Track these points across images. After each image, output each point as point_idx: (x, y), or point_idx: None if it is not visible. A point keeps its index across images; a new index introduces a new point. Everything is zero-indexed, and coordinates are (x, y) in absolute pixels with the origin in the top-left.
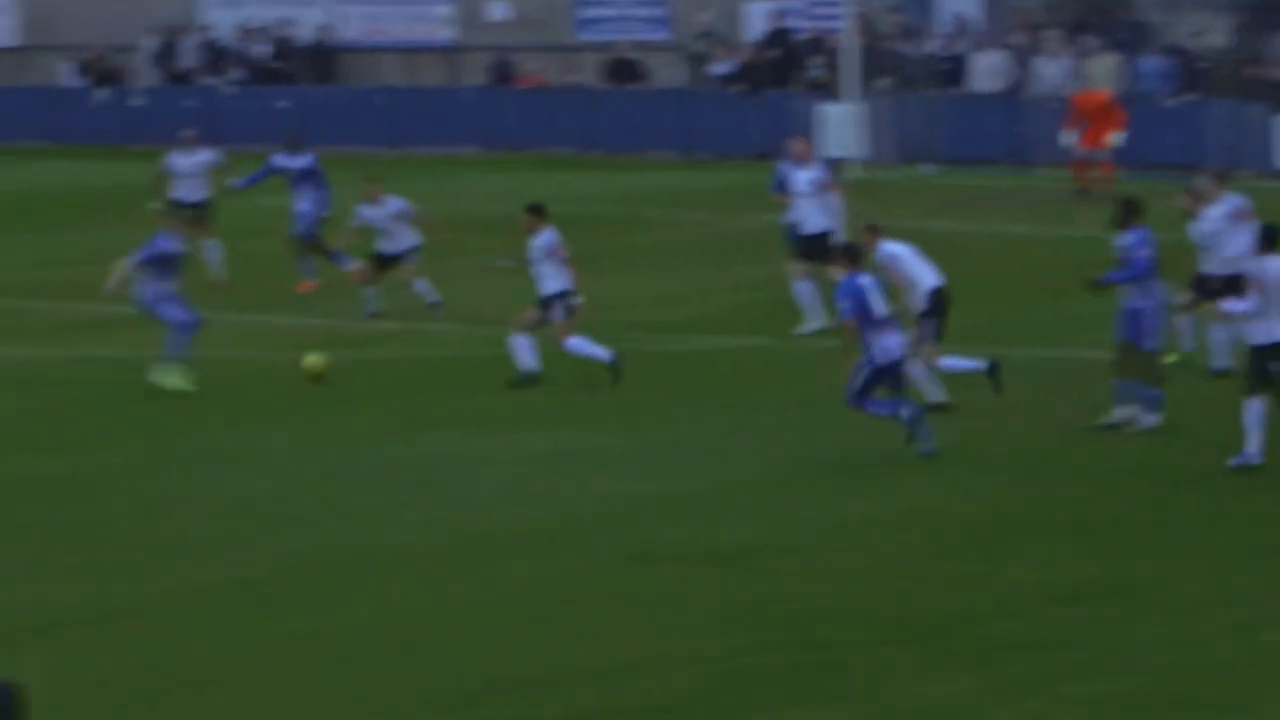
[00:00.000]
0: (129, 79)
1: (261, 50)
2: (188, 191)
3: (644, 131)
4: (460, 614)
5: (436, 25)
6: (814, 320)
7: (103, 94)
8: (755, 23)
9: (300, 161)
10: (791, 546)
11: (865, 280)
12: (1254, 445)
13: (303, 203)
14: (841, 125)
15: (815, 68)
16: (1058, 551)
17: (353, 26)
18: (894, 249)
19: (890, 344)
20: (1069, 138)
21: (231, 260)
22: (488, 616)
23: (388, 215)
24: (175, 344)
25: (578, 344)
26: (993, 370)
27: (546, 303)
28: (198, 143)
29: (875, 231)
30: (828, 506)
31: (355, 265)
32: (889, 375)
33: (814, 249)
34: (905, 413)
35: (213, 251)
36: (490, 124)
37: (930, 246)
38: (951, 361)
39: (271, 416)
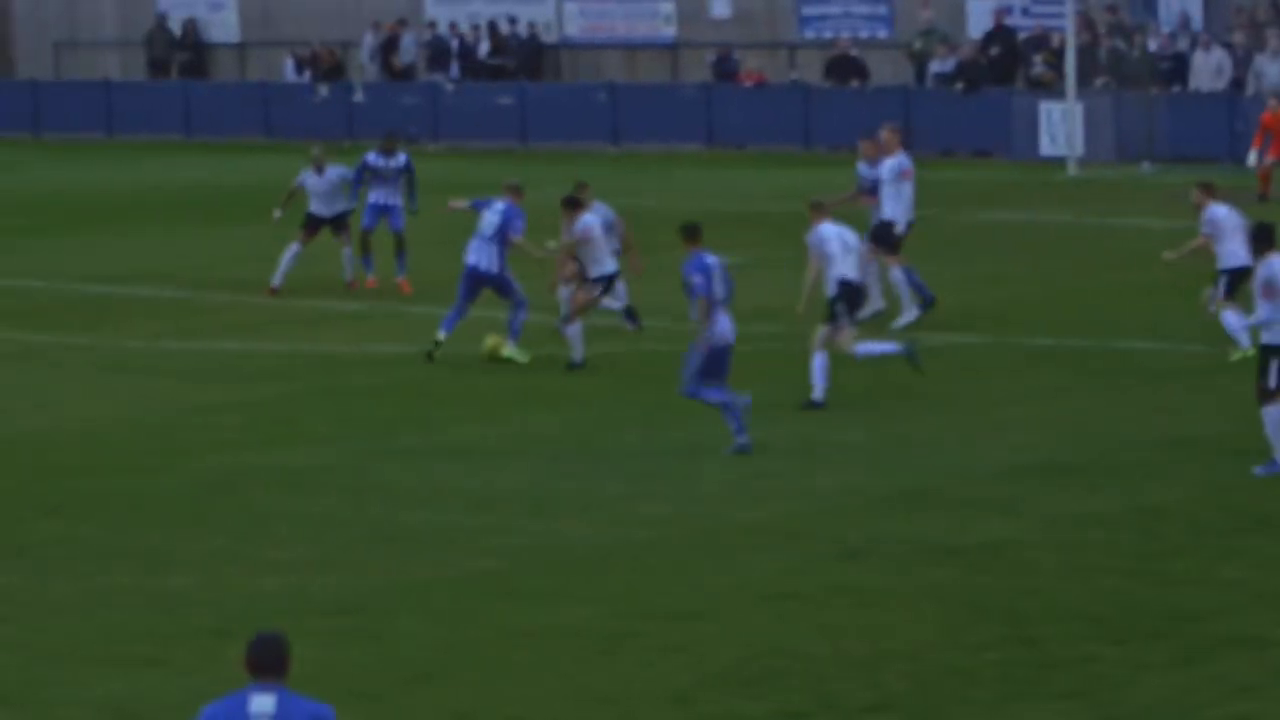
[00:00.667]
0: (349, 75)
1: (483, 47)
2: (322, 206)
3: (864, 129)
4: (680, 609)
5: (659, 22)
6: (910, 312)
7: (324, 90)
8: (977, 20)
9: (395, 161)
10: (1008, 543)
11: (711, 259)
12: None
13: (388, 199)
14: (1061, 123)
15: (1037, 65)
16: (1277, 550)
17: (574, 23)
18: (827, 230)
19: (725, 327)
20: (1253, 156)
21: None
22: (707, 611)
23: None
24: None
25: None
26: (910, 354)
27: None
28: (324, 161)
29: (819, 210)
30: (1047, 504)
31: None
32: (719, 359)
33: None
34: (738, 403)
35: (348, 258)
36: (711, 121)
37: (1148, 244)
38: (868, 347)
39: (495, 411)
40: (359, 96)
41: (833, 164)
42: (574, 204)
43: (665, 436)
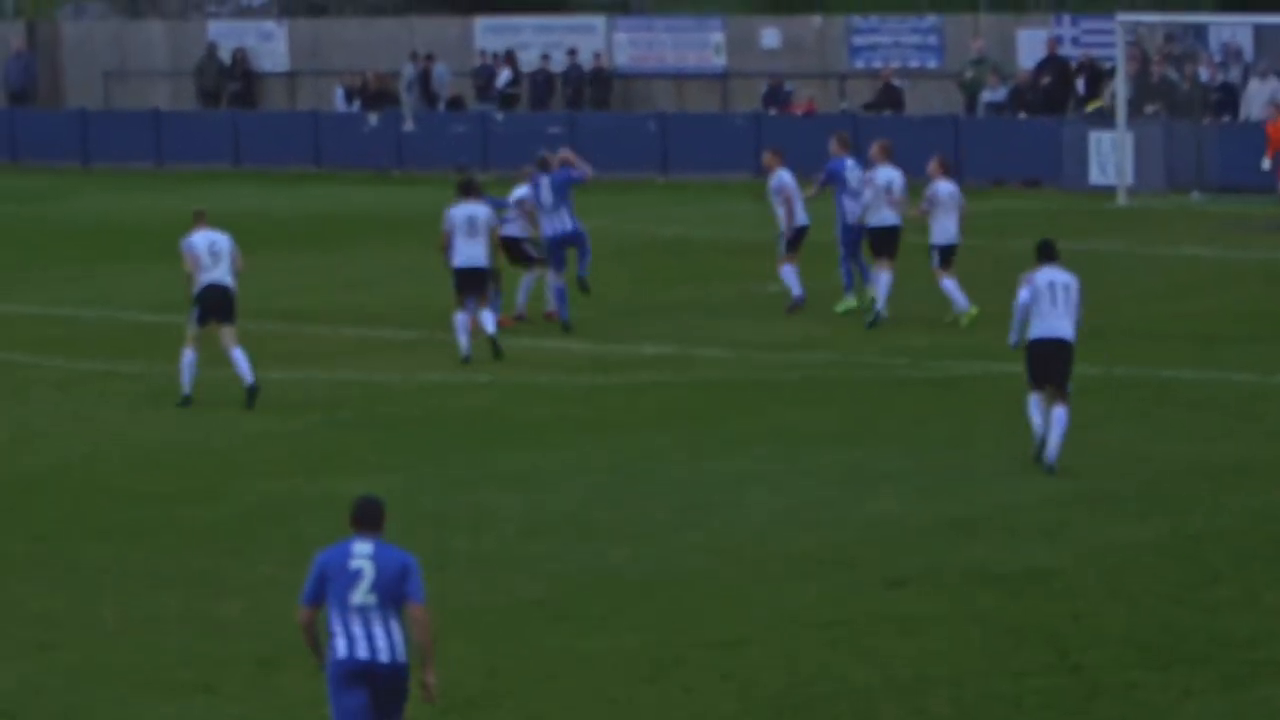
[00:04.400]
0: (400, 104)
1: (503, 75)
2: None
3: (913, 157)
4: (727, 636)
5: (709, 52)
6: (960, 303)
7: (373, 119)
8: (1028, 49)
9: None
10: (1053, 570)
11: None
12: (1038, 425)
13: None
14: (1110, 152)
15: (1089, 94)
16: None
17: (625, 53)
18: (787, 176)
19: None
20: (1266, 164)
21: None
22: (753, 639)
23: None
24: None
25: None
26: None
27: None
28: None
29: (778, 155)
30: (1091, 531)
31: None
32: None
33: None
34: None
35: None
36: (761, 150)
37: (1198, 274)
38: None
39: (543, 439)
40: (409, 125)
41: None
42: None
43: (712, 465)
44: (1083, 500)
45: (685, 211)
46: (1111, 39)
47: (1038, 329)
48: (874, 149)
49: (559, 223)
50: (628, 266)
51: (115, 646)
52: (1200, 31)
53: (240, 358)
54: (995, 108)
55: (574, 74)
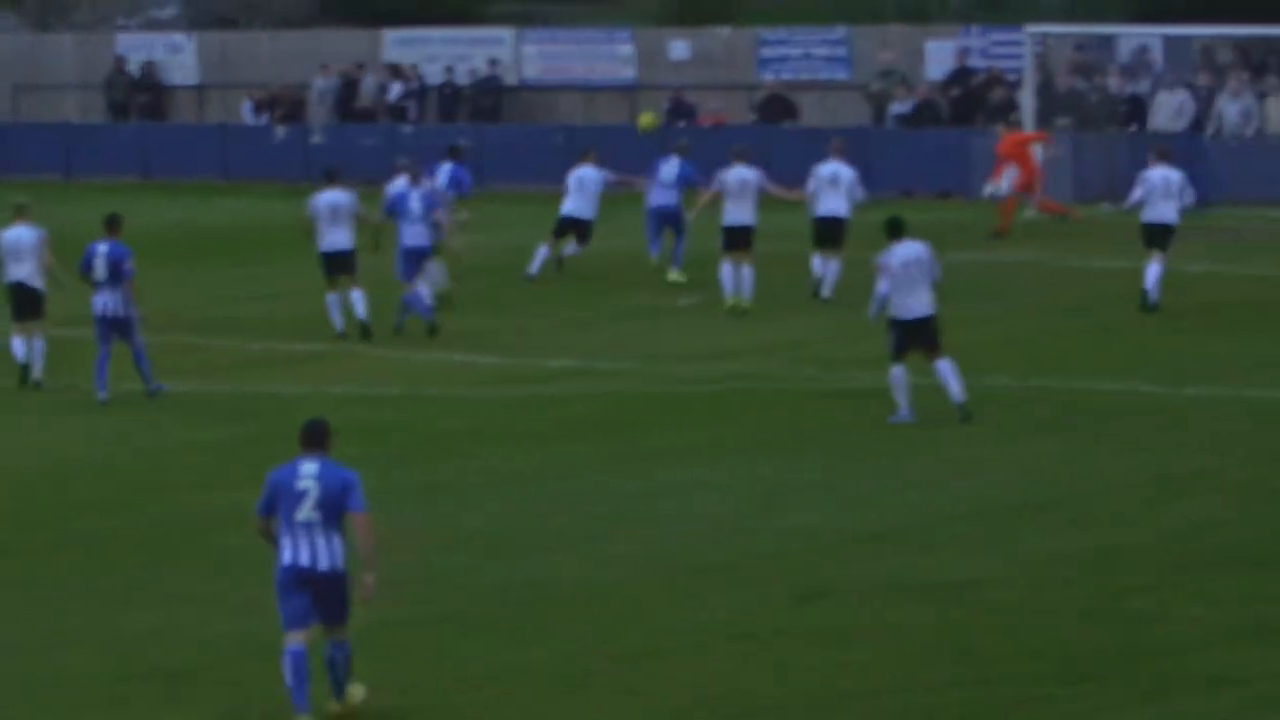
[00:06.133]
0: (308, 117)
1: (394, 89)
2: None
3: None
4: (641, 649)
5: (618, 64)
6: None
7: (281, 132)
8: (936, 61)
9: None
10: (970, 583)
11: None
12: (903, 406)
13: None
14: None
15: (997, 105)
16: (1238, 587)
17: (533, 65)
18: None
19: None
20: (989, 188)
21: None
22: (667, 652)
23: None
24: None
25: None
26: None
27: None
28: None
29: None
30: (1008, 544)
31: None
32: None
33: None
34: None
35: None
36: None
37: (1108, 285)
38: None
39: (456, 451)
40: (317, 138)
41: (786, 204)
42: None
43: (624, 478)
44: (999, 513)
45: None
46: (1020, 50)
47: (902, 309)
48: (833, 145)
49: (419, 236)
50: (536, 279)
51: (23, 663)
52: (1109, 42)
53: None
54: (903, 119)
55: (483, 86)
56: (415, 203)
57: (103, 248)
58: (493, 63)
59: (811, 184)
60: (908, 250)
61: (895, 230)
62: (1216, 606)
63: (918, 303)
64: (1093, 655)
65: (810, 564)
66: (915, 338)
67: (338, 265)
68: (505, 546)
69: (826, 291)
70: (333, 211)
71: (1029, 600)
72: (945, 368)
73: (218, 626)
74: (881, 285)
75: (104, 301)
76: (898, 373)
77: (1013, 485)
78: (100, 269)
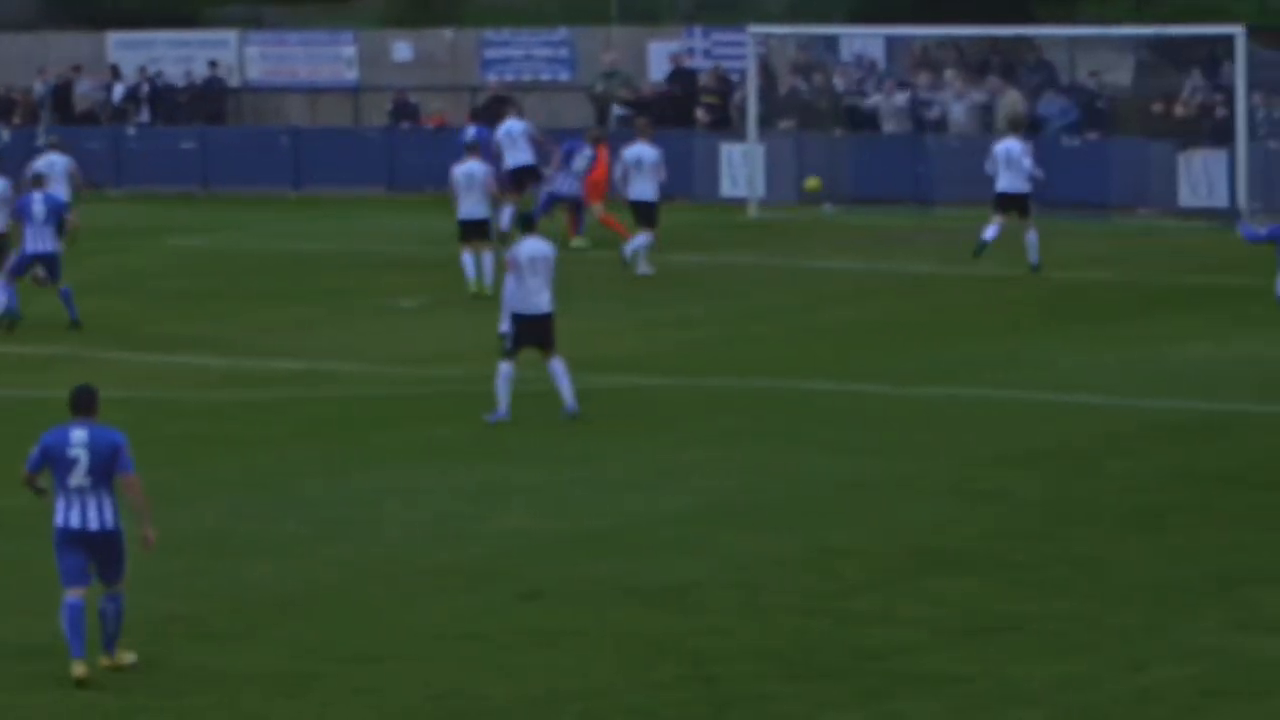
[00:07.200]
0: (33, 120)
1: (166, 91)
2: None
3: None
4: (363, 651)
5: (341, 66)
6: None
7: (5, 134)
8: (659, 62)
9: None
10: (688, 584)
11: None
12: (503, 405)
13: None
14: (742, 164)
15: (714, 106)
16: (955, 588)
17: (257, 67)
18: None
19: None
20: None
21: (132, 300)
22: (389, 654)
23: None
24: None
25: None
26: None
27: None
28: None
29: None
30: (727, 544)
31: None
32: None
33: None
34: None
35: None
36: (393, 164)
37: (831, 286)
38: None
39: (173, 455)
40: (41, 141)
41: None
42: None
43: (348, 480)
44: (719, 513)
45: (318, 226)
46: (743, 51)
47: (522, 305)
48: (637, 126)
49: (43, 243)
50: (260, 281)
51: None
52: (832, 43)
53: None
54: (626, 120)
55: (206, 88)
56: (39, 206)
57: None
58: (213, 64)
59: (618, 169)
60: (534, 247)
61: (526, 225)
62: (939, 606)
63: (539, 300)
64: (814, 654)
65: (531, 565)
66: (532, 335)
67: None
68: (229, 550)
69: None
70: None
71: (749, 601)
72: (558, 368)
73: None
74: (510, 281)
75: None
76: (506, 369)
77: (728, 487)
78: None
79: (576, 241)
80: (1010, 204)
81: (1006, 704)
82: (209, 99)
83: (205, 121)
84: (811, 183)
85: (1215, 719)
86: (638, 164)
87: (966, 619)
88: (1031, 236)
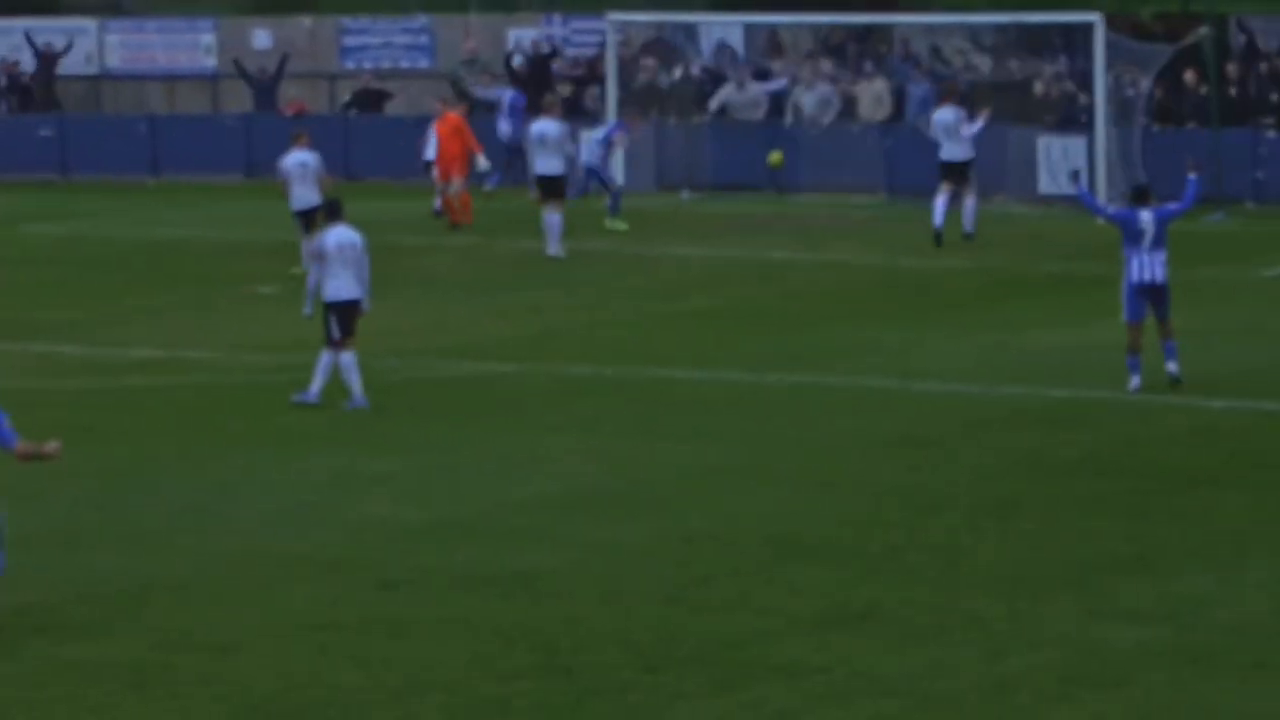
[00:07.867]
0: None
1: (26, 78)
2: None
3: (395, 157)
4: (217, 641)
5: (199, 53)
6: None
7: None
8: (518, 49)
9: None
10: (543, 572)
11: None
12: (316, 386)
13: None
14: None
15: (568, 94)
16: (813, 576)
17: (116, 54)
18: None
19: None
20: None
21: None
22: (244, 644)
23: None
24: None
25: None
26: None
27: None
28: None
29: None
30: (583, 532)
31: None
32: None
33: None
34: None
35: None
36: (253, 151)
37: (689, 273)
38: None
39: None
40: None
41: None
42: None
43: (203, 469)
44: (574, 501)
45: (177, 214)
46: (602, 38)
47: (333, 290)
48: (545, 103)
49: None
50: (118, 269)
51: None
52: (691, 31)
53: None
54: (487, 107)
55: (64, 76)
56: None
57: None
58: (66, 48)
59: (527, 146)
60: (341, 234)
61: (333, 213)
62: (796, 595)
63: (346, 286)
64: (672, 643)
65: (386, 554)
66: (344, 322)
67: None
68: (81, 542)
69: (554, 249)
70: None
71: (606, 589)
72: (348, 360)
73: None
74: (314, 271)
75: None
76: (328, 357)
77: (584, 475)
78: None
79: (615, 224)
80: (950, 172)
81: (865, 693)
82: (70, 86)
83: (70, 109)
84: (774, 157)
85: (1074, 707)
86: (542, 140)
87: (824, 608)
88: (969, 204)
